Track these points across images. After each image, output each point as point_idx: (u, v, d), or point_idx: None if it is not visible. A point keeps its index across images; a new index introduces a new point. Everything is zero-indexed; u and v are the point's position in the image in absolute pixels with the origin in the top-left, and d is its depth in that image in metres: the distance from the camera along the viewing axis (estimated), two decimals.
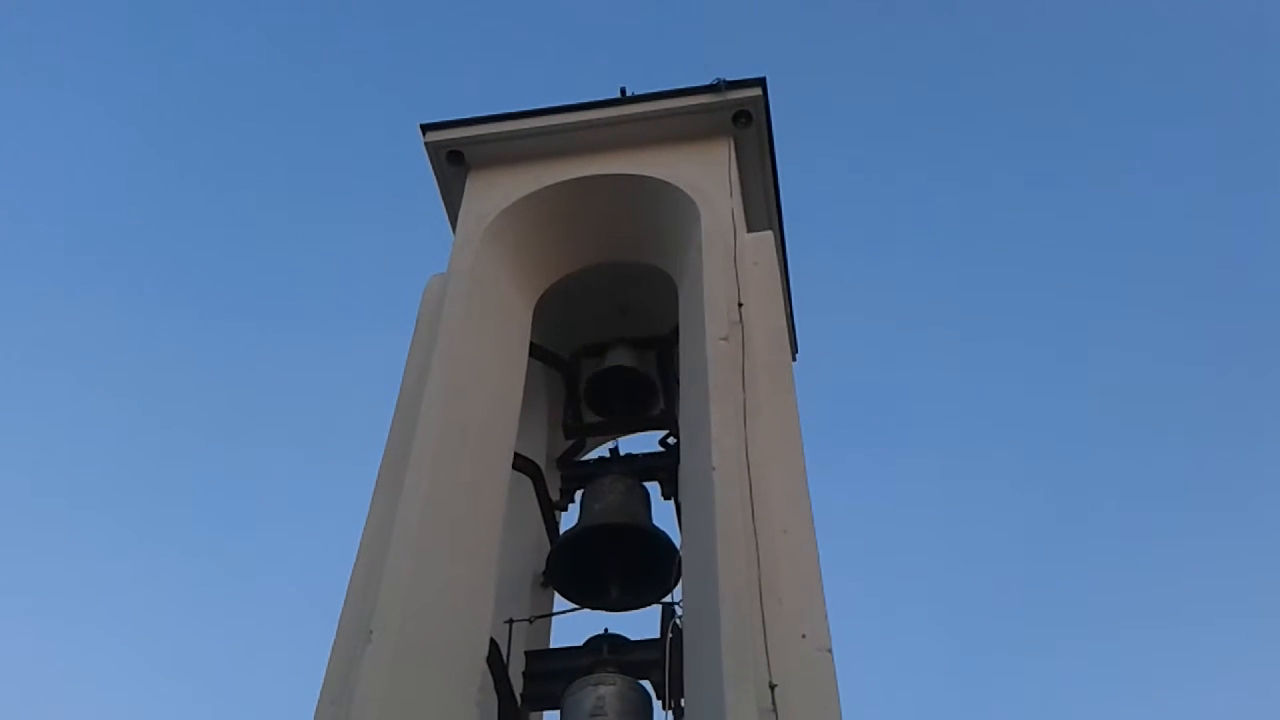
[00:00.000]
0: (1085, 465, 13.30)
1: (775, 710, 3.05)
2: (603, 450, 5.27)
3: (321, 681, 3.56)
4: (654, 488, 4.92)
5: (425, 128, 5.42)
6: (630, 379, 5.18)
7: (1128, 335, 13.39)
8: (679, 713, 3.66)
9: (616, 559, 4.59)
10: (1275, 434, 12.95)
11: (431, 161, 5.43)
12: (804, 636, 3.31)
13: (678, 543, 4.41)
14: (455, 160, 5.37)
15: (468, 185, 5.31)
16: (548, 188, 5.14)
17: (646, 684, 4.06)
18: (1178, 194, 13.40)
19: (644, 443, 5.24)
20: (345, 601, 3.77)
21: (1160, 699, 11.59)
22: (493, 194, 5.19)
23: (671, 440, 4.95)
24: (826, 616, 3.39)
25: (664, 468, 4.85)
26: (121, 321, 14.02)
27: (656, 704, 3.99)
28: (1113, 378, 13.26)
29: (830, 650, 3.29)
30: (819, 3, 14.17)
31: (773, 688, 3.08)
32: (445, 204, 5.46)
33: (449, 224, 5.35)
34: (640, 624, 4.44)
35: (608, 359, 5.19)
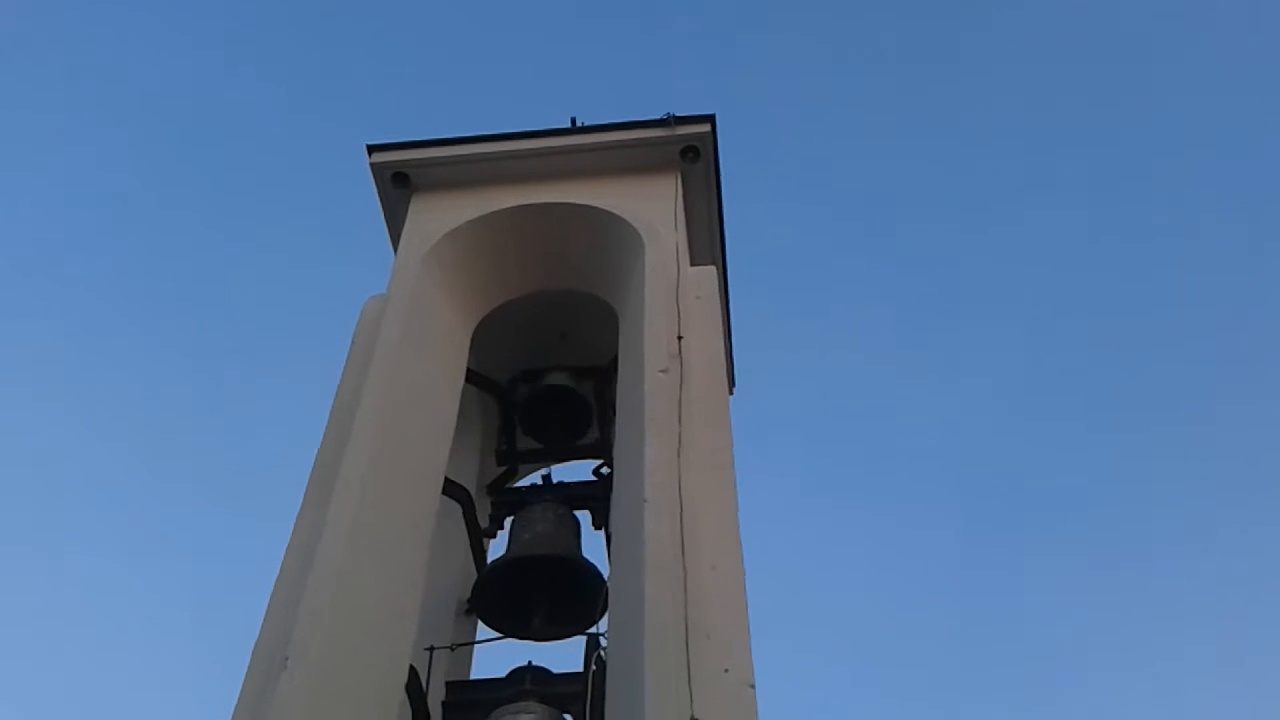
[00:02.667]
0: (1017, 513, 13.47)
1: None
2: (535, 478, 5.22)
3: (233, 710, 3.46)
4: (585, 517, 4.88)
5: (371, 148, 5.39)
6: (565, 403, 5.15)
7: (1076, 368, 13.65)
8: None
9: (543, 588, 4.53)
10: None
11: (376, 182, 5.39)
12: (727, 671, 3.29)
13: (606, 573, 4.37)
14: (400, 182, 5.33)
15: (411, 208, 5.28)
16: (493, 213, 5.12)
17: (568, 717, 4.00)
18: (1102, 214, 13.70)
19: (577, 471, 5.21)
20: (263, 624, 3.67)
21: None
22: (436, 217, 5.16)
23: (605, 470, 4.92)
24: (751, 652, 3.37)
25: (596, 497, 4.82)
26: (51, 342, 13.70)
27: None
28: (1054, 419, 13.48)
29: (753, 686, 3.27)
30: (770, 42, 14.38)
31: None
32: (388, 226, 5.42)
33: (391, 246, 5.30)
34: (564, 655, 4.39)
35: (545, 380, 5.15)
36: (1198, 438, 13.24)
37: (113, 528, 13.05)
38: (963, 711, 12.15)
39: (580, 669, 4.00)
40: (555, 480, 5.01)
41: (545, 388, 5.13)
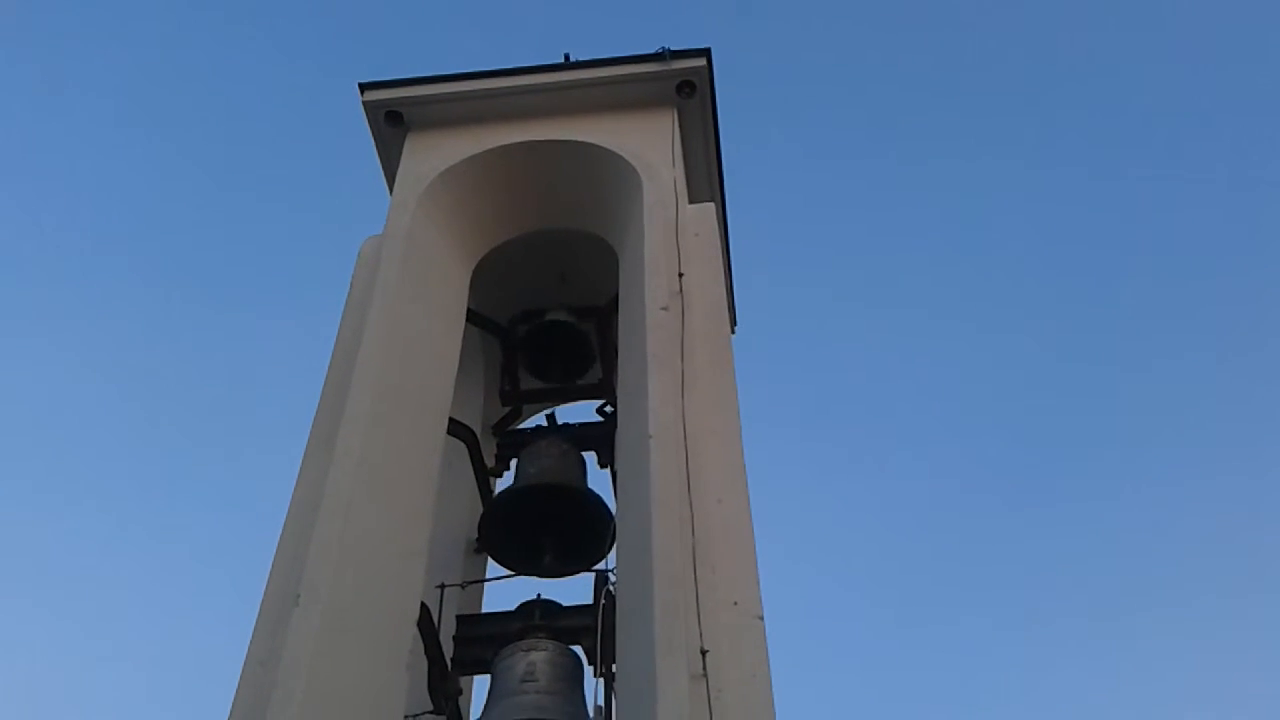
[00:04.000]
0: (1020, 448, 13.59)
1: (705, 675, 3.07)
2: (539, 418, 5.25)
3: (248, 644, 3.52)
4: (590, 457, 4.92)
5: (364, 86, 5.32)
6: (567, 341, 5.16)
7: (1070, 303, 13.68)
8: (610, 679, 3.68)
9: (550, 524, 4.58)
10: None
11: (369, 121, 5.33)
12: (736, 604, 3.34)
13: (613, 510, 4.42)
14: (394, 121, 5.28)
15: (406, 147, 5.23)
16: (488, 151, 5.08)
17: (578, 650, 4.07)
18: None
19: (581, 412, 5.24)
20: (273, 564, 3.72)
21: (1087, 678, 11.93)
22: (431, 156, 5.12)
23: (609, 409, 4.94)
24: (759, 584, 3.42)
25: (601, 437, 4.85)
26: (45, 288, 13.62)
27: (588, 670, 4.01)
28: (1053, 346, 13.54)
29: (761, 617, 3.32)
30: None
31: (704, 653, 3.11)
32: (383, 165, 5.38)
33: (386, 186, 5.27)
34: (573, 590, 4.46)
35: (545, 317, 5.15)
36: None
37: (118, 474, 13.11)
38: (969, 627, 12.37)
39: (589, 603, 4.06)
40: (560, 421, 5.04)
41: (546, 324, 5.13)
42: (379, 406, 4.03)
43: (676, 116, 5.15)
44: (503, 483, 4.92)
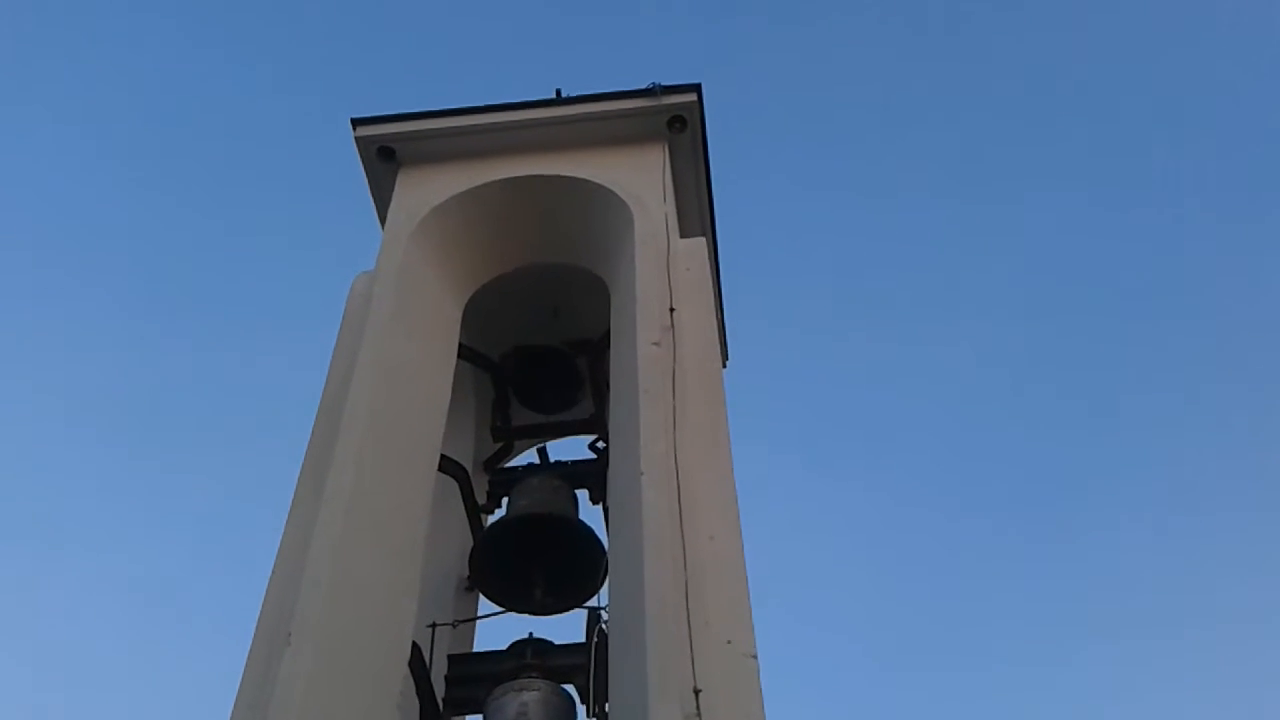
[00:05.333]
0: (1010, 483, 13.58)
1: (699, 716, 3.05)
2: (531, 455, 5.24)
3: (238, 685, 3.48)
4: (583, 495, 4.90)
5: (356, 122, 5.35)
6: (559, 375, 5.16)
7: (1071, 344, 13.71)
8: (603, 718, 3.64)
9: (542, 557, 4.56)
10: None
11: (362, 157, 5.35)
12: (729, 643, 3.32)
13: (605, 545, 4.39)
14: (386, 156, 5.30)
15: (398, 182, 5.25)
16: (480, 187, 5.10)
17: (571, 689, 4.04)
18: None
19: (573, 448, 5.23)
20: (264, 603, 3.69)
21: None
22: (424, 191, 5.13)
23: (601, 445, 4.93)
24: (752, 623, 3.40)
25: (593, 473, 4.84)
26: (34, 322, 13.58)
27: (580, 709, 3.97)
28: (1048, 377, 13.56)
29: (755, 656, 3.30)
30: (756, 9, 14.26)
31: (697, 693, 3.08)
32: (375, 201, 5.39)
33: (378, 221, 5.27)
34: (566, 627, 4.43)
35: (537, 348, 5.15)
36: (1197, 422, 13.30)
37: (108, 512, 13.01)
38: (962, 676, 12.31)
39: (582, 641, 4.03)
40: (552, 458, 5.03)
41: (538, 349, 5.12)
42: (370, 444, 4.02)
43: (667, 151, 5.18)
44: (493, 520, 4.90)
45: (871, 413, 13.50)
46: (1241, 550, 12.87)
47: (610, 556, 4.04)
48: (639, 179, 5.01)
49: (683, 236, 4.99)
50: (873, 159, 14.23)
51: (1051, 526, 13.23)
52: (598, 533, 4.62)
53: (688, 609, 3.31)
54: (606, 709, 3.63)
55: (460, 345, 4.91)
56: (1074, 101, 13.83)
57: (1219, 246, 13.62)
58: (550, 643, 4.19)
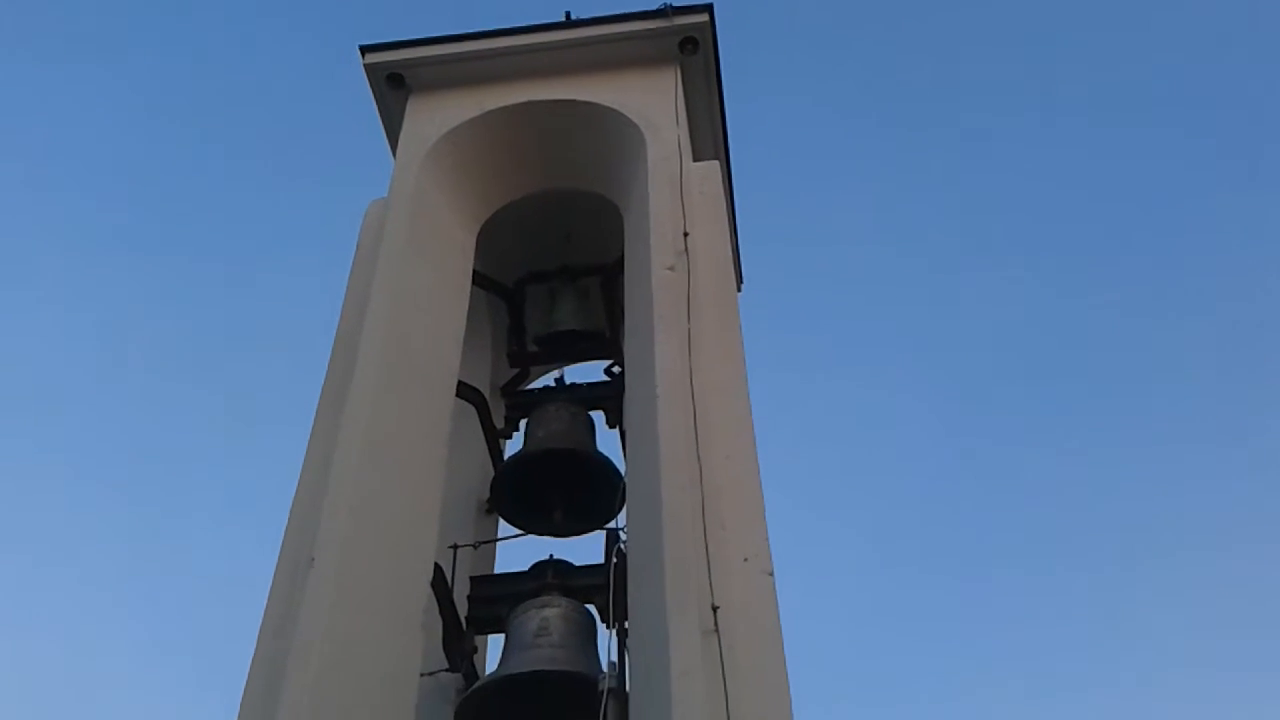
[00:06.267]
0: (1021, 392, 13.59)
1: (718, 631, 3.11)
2: (548, 379, 5.26)
3: (263, 608, 3.56)
4: (599, 417, 4.94)
5: (365, 49, 5.30)
6: (573, 297, 5.17)
7: (1077, 265, 13.62)
8: (623, 635, 3.71)
9: (561, 485, 4.61)
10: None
11: (371, 84, 5.31)
12: (746, 560, 3.37)
13: (622, 470, 4.44)
14: (396, 83, 5.26)
15: (408, 109, 5.22)
16: (490, 112, 5.06)
17: (591, 608, 4.12)
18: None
19: (589, 372, 5.25)
20: (287, 528, 3.76)
21: (1098, 632, 12.00)
22: (434, 118, 5.10)
23: (616, 369, 4.95)
24: (768, 540, 3.45)
25: (609, 396, 4.86)
26: (55, 256, 13.62)
27: (600, 627, 4.05)
28: (1057, 283, 13.50)
29: (772, 573, 3.35)
30: None
31: (715, 610, 3.14)
32: (386, 128, 5.36)
33: (390, 149, 5.25)
34: (585, 550, 4.49)
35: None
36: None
37: (127, 440, 13.16)
38: (984, 582, 12.45)
39: (600, 562, 4.10)
40: (568, 381, 5.05)
41: (552, 274, 5.14)
42: (387, 371, 4.05)
43: (679, 74, 5.12)
44: (512, 444, 4.95)
45: (886, 331, 13.50)
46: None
47: (628, 479, 4.08)
48: (651, 102, 4.96)
49: (696, 160, 4.95)
50: (889, 78, 14.02)
51: (1059, 437, 13.27)
52: (615, 455, 4.67)
53: (705, 528, 3.35)
54: (626, 626, 3.69)
55: (475, 272, 4.92)
56: (1088, 32, 13.56)
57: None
58: (570, 564, 4.25)
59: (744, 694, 3.03)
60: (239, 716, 3.30)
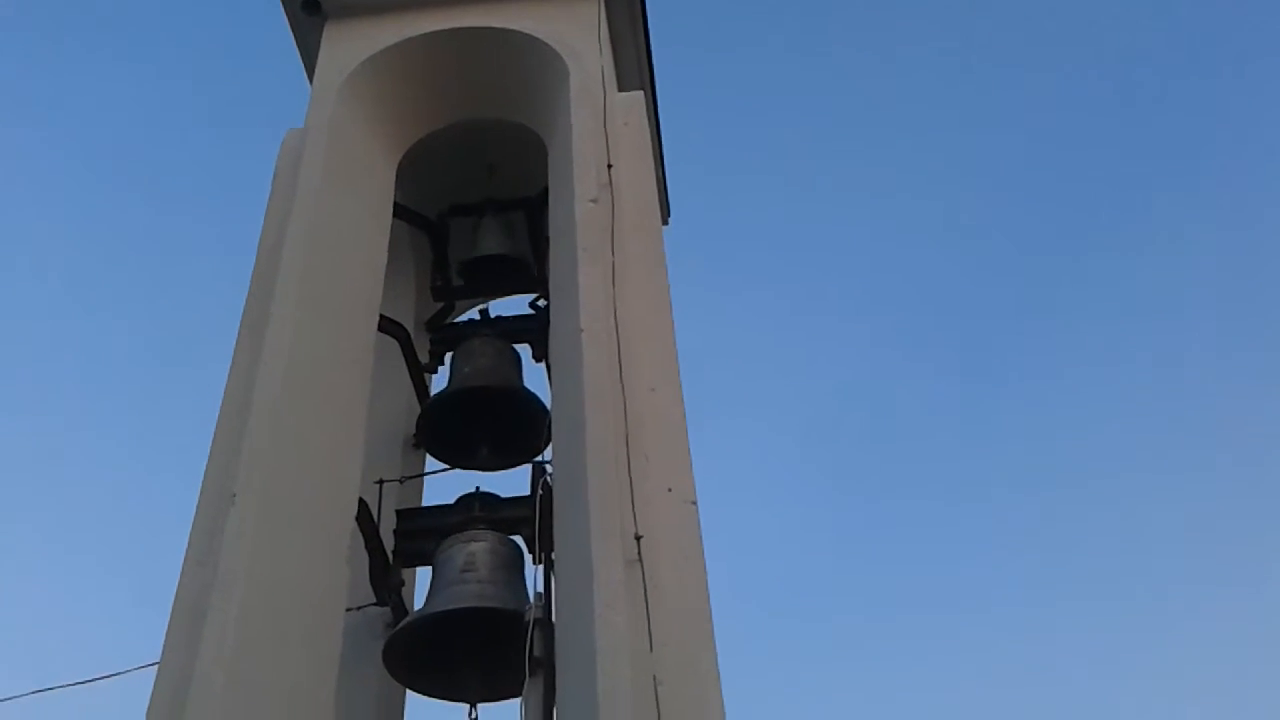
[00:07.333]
0: (964, 321, 13.82)
1: (641, 560, 3.15)
2: (473, 313, 5.22)
3: (185, 545, 3.53)
4: (525, 350, 4.93)
5: None
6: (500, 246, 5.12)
7: (1008, 182, 13.79)
8: (549, 566, 3.75)
9: (487, 420, 4.61)
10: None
11: (285, 8, 5.14)
12: (670, 490, 3.42)
13: (548, 404, 4.45)
14: (311, 8, 5.09)
15: (325, 36, 5.05)
16: (410, 39, 4.93)
17: (518, 539, 4.14)
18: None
19: (516, 305, 5.22)
20: (208, 464, 3.71)
21: (1028, 561, 12.39)
22: (352, 45, 4.96)
23: (542, 303, 4.93)
24: (692, 470, 3.50)
25: (535, 330, 4.84)
26: None
27: (528, 559, 4.08)
28: (997, 235, 13.69)
29: (695, 502, 3.41)
30: None
31: (638, 539, 3.18)
32: (302, 56, 5.20)
33: (306, 77, 5.10)
34: (514, 484, 4.51)
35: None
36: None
37: (49, 380, 12.79)
38: (908, 507, 12.76)
39: (527, 494, 4.12)
40: (493, 315, 5.02)
41: (475, 206, 5.06)
42: (306, 304, 3.99)
43: (603, 3, 5.03)
44: (438, 379, 4.93)
45: (816, 260, 13.60)
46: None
47: (553, 412, 4.09)
48: (574, 31, 4.87)
49: (621, 91, 4.89)
50: (817, 10, 13.94)
51: (995, 370, 13.57)
52: (541, 389, 4.68)
53: (629, 459, 3.38)
54: (553, 557, 3.73)
55: (396, 204, 4.83)
56: None
57: None
58: (497, 496, 4.27)
59: (666, 621, 3.09)
60: (161, 656, 3.28)
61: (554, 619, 3.56)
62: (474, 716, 3.90)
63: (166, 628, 3.35)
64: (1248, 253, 13.18)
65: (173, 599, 3.40)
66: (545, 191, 4.76)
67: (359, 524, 3.89)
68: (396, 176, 4.87)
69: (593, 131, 4.38)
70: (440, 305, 5.20)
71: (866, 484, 12.81)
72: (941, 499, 12.82)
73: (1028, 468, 13.04)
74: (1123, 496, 12.65)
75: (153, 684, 3.21)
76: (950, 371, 13.63)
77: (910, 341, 13.63)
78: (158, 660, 3.29)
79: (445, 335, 5.02)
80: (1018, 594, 12.10)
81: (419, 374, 4.82)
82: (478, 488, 4.31)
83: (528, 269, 5.15)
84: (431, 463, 4.81)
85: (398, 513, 4.31)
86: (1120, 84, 13.71)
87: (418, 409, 4.79)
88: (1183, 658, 11.98)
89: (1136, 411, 13.09)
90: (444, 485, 4.72)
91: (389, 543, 4.19)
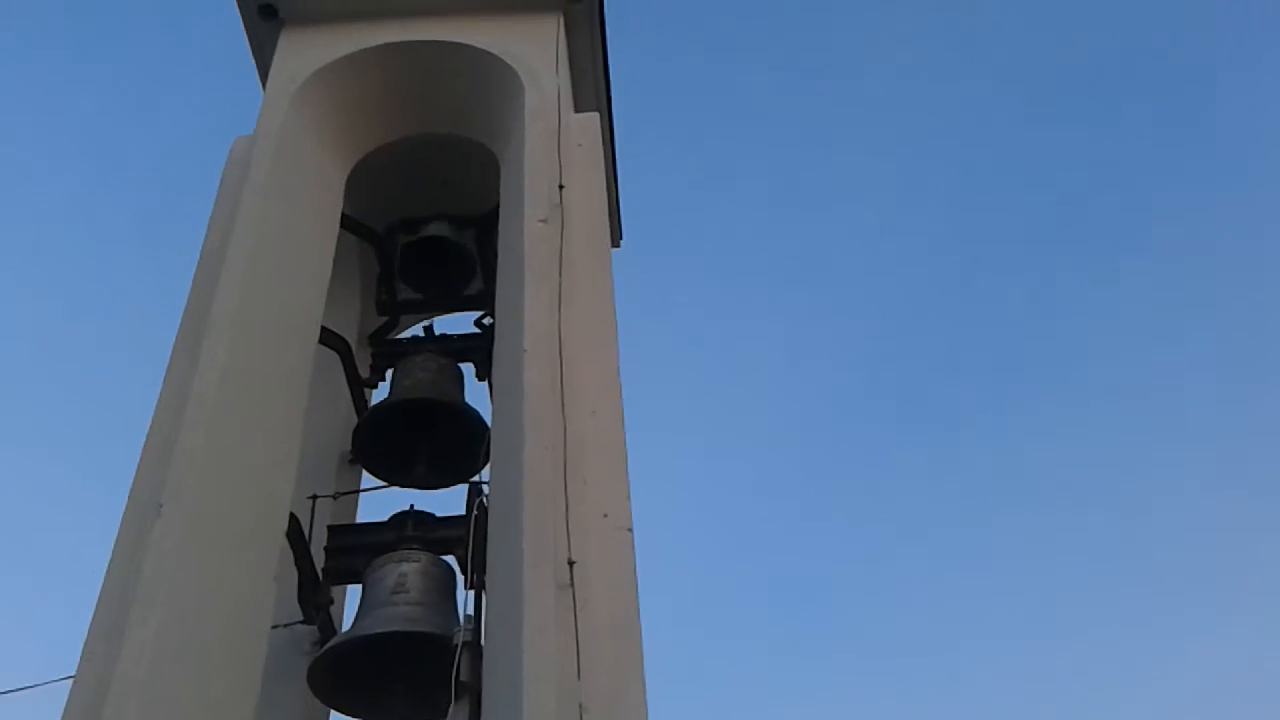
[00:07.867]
0: (899, 361, 13.94)
1: (573, 585, 3.12)
2: (417, 329, 5.17)
3: (109, 557, 3.44)
4: (469, 369, 4.88)
5: None
6: (446, 253, 5.06)
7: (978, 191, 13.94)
8: (481, 589, 3.70)
9: (426, 436, 4.56)
10: None
11: (242, 13, 5.08)
12: (606, 515, 3.39)
13: (490, 423, 4.40)
14: (268, 14, 5.04)
15: (280, 42, 5.01)
16: (365, 50, 4.89)
17: (451, 560, 4.09)
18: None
19: (461, 323, 5.18)
20: (136, 472, 3.63)
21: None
22: (307, 53, 4.91)
23: (488, 321, 4.90)
24: (629, 496, 3.47)
25: (479, 348, 4.81)
26: None
27: (460, 580, 4.03)
28: (952, 262, 13.84)
29: (630, 529, 3.38)
30: None
31: (571, 564, 3.15)
32: (256, 62, 5.15)
33: (260, 84, 5.04)
34: (450, 504, 4.45)
35: (424, 231, 5.04)
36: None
37: None
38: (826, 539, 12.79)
39: (463, 514, 4.06)
40: (438, 332, 4.97)
41: (424, 239, 5.03)
42: (246, 312, 3.92)
43: (562, 21, 5.03)
44: (378, 394, 4.86)
45: (769, 290, 13.66)
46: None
47: (493, 432, 4.05)
48: (532, 49, 4.86)
49: (577, 111, 4.89)
50: (777, 30, 14.04)
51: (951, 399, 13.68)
52: (483, 408, 4.63)
53: (565, 483, 3.35)
54: (485, 580, 3.68)
55: (344, 216, 4.78)
56: None
57: None
58: (431, 515, 4.21)
59: (596, 649, 3.05)
60: (78, 666, 3.19)
61: (483, 642, 3.51)
62: None
63: (84, 640, 3.26)
64: (1252, 253, 13.36)
65: (92, 614, 3.31)
66: (497, 209, 4.73)
67: (289, 539, 3.82)
68: (346, 187, 4.82)
69: (546, 151, 4.37)
70: (384, 320, 5.15)
71: (813, 512, 12.86)
72: (893, 525, 12.91)
73: (973, 495, 13.18)
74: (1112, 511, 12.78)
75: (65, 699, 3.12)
76: (899, 395, 13.74)
77: (860, 363, 13.75)
78: (73, 674, 3.20)
79: (388, 350, 4.96)
80: (962, 630, 12.20)
81: (359, 388, 4.76)
82: (412, 506, 4.25)
83: (472, 262, 5.08)
84: (368, 479, 4.75)
85: (329, 529, 4.24)
86: (1105, 99, 13.93)
87: (356, 424, 4.72)
88: (1176, 689, 12.08)
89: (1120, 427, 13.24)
90: (381, 503, 4.66)
91: (319, 559, 4.11)
